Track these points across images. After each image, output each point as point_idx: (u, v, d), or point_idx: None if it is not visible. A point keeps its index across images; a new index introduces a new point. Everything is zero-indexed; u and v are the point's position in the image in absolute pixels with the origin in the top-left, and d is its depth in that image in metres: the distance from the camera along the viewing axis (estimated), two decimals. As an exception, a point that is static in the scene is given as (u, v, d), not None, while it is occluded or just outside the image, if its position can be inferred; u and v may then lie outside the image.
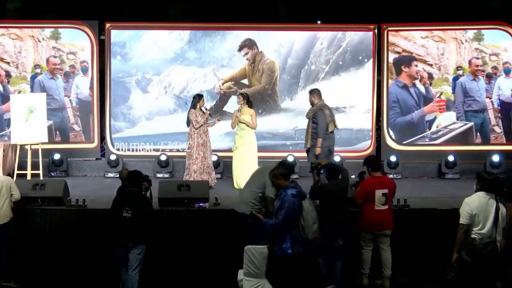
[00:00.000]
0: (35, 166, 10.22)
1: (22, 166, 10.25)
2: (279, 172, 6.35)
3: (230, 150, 10.25)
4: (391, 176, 11.09)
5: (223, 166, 11.14)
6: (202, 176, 9.61)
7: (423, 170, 11.29)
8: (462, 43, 11.98)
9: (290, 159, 10.93)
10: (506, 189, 6.64)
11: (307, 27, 12.38)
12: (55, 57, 12.02)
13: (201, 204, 7.96)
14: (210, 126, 9.93)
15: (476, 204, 5.90)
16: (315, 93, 9.20)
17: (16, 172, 10.05)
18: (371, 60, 12.05)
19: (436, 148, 11.82)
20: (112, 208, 6.80)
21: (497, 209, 5.85)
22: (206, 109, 9.95)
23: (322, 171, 7.14)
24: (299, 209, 6.25)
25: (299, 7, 13.76)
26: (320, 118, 8.89)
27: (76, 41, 12.03)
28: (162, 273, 7.36)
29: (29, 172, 10.10)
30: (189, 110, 9.92)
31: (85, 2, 13.38)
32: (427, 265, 7.58)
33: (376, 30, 11.94)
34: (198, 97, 9.90)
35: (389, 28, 11.96)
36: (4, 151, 10.30)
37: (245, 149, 9.78)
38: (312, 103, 9.16)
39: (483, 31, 11.90)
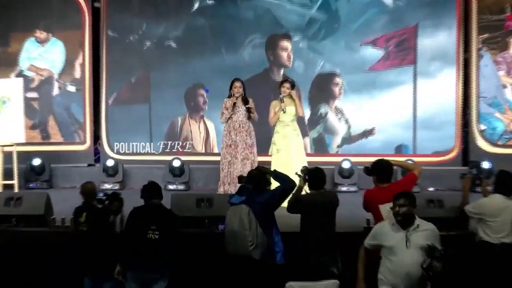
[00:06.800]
0: (8, 174, 9.39)
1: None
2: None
3: (266, 154, 8.57)
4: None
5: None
6: (226, 187, 8.16)
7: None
8: None
9: (346, 165, 9.75)
10: None
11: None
12: None
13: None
14: (250, 119, 8.25)
15: None
16: None
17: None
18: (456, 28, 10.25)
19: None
20: (130, 229, 5.87)
21: None
22: (237, 97, 8.24)
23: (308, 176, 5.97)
24: None
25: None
26: None
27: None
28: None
29: (0, 182, 9.25)
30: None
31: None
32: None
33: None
34: (232, 82, 8.32)
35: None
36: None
37: (290, 152, 8.10)
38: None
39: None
